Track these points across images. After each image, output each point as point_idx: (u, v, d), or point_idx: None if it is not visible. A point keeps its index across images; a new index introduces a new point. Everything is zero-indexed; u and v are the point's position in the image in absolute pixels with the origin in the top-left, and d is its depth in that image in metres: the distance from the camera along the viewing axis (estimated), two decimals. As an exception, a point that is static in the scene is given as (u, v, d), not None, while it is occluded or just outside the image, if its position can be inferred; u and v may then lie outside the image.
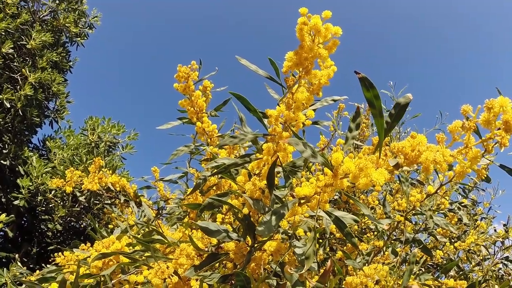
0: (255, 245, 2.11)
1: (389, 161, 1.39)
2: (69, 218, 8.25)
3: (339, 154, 1.51)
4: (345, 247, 4.05)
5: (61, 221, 8.10)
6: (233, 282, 2.02)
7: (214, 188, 3.03)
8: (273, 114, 1.79)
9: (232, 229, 2.33)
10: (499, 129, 1.30)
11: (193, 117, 2.91)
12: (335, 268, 2.57)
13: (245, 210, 2.08)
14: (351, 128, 1.80)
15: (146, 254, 2.51)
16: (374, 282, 2.65)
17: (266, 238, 2.16)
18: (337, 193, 3.67)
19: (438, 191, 3.45)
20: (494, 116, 1.27)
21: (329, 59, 2.26)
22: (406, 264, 2.69)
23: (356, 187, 1.44)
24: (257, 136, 1.87)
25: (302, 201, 1.79)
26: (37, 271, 5.29)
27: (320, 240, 3.83)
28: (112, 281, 2.57)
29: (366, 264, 3.20)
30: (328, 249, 4.15)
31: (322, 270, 1.96)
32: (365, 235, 4.50)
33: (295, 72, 1.85)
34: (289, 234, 2.20)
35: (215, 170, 1.99)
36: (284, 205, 1.69)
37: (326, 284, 1.91)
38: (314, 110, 1.99)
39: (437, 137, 1.42)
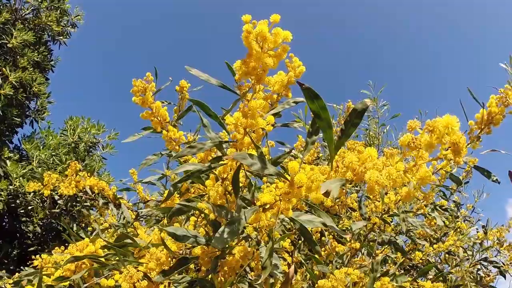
0: (225, 249, 2.10)
1: (322, 185, 1.27)
2: (49, 220, 8.16)
3: (295, 163, 1.45)
4: (323, 249, 4.06)
5: (41, 223, 8.01)
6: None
7: (192, 190, 3.01)
8: (230, 121, 1.76)
9: (204, 232, 2.32)
10: (448, 149, 1.17)
11: (157, 127, 2.85)
12: (308, 273, 2.58)
13: (212, 216, 2.07)
14: (310, 133, 1.64)
15: (117, 257, 2.50)
16: (348, 286, 2.66)
17: (234, 243, 2.16)
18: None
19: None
20: (438, 138, 1.14)
21: (297, 59, 2.25)
22: (377, 267, 2.69)
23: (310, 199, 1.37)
24: (216, 144, 1.83)
25: (265, 208, 1.77)
26: (17, 273, 5.23)
27: (299, 241, 3.83)
28: (85, 284, 2.56)
29: (342, 266, 3.21)
30: (306, 251, 4.15)
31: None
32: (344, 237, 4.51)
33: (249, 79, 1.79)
34: (256, 239, 2.19)
35: (180, 178, 1.95)
36: (238, 217, 1.62)
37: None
38: (276, 113, 1.94)
39: (386, 152, 1.29)
